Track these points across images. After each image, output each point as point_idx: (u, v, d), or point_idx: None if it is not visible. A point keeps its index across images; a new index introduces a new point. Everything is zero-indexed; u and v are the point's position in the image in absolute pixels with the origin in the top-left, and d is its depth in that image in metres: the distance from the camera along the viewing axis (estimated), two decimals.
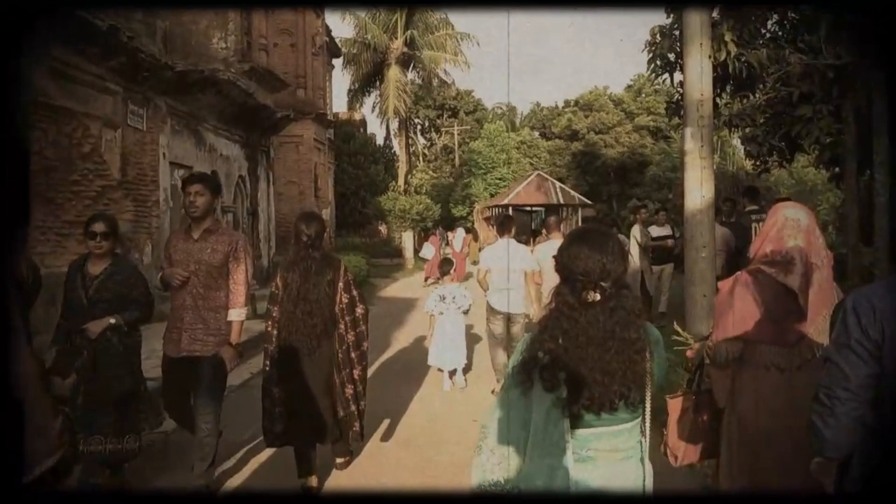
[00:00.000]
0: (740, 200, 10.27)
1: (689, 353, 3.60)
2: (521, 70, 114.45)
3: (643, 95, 49.17)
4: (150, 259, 10.73)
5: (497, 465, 2.22)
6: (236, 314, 4.56)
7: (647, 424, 2.25)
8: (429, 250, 19.89)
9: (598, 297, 2.18)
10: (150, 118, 10.97)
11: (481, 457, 2.26)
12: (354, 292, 4.91)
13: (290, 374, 4.69)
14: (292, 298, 4.68)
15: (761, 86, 9.29)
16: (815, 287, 2.95)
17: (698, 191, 7.37)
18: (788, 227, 3.02)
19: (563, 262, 2.26)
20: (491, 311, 7.27)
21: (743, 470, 3.09)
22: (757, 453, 3.04)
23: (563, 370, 2.12)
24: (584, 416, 2.14)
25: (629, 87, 51.50)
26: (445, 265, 8.42)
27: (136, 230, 10.45)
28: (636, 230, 10.97)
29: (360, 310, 4.91)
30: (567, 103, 54.01)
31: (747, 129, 9.34)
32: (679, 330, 4.11)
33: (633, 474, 2.22)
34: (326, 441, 4.86)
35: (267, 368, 4.74)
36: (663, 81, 9.66)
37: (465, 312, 7.97)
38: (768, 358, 3.00)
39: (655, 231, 11.07)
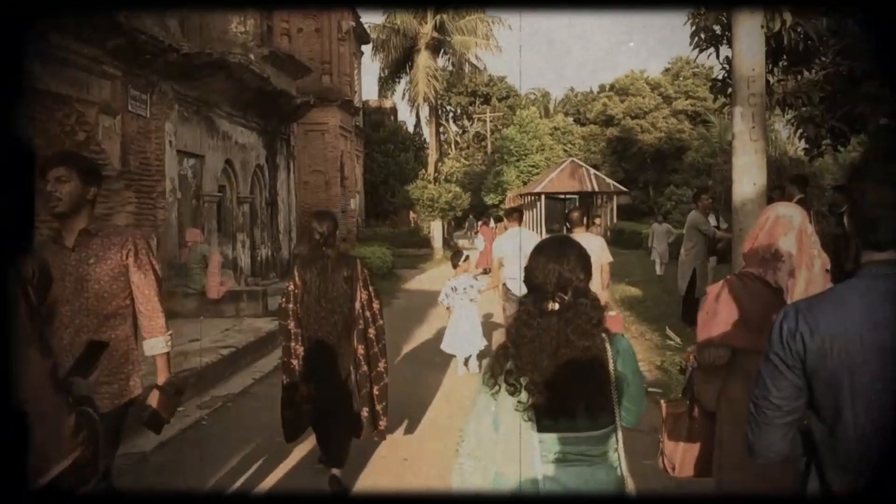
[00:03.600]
0: (788, 189, 9.27)
1: (685, 357, 3.57)
2: (554, 54, 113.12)
3: (681, 79, 47.88)
4: (154, 255, 10.10)
5: (474, 469, 2.28)
6: (159, 346, 3.29)
7: (620, 436, 2.27)
8: (480, 241, 19.16)
9: (556, 306, 2.22)
10: (155, 104, 10.33)
11: (459, 460, 2.31)
12: (371, 288, 4.93)
13: (317, 370, 4.74)
14: (313, 296, 4.73)
15: (818, 60, 8.32)
16: (802, 286, 2.89)
17: (749, 178, 6.61)
18: (780, 224, 2.98)
19: (525, 272, 2.32)
20: (506, 294, 7.47)
21: (734, 480, 3.00)
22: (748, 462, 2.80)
23: (523, 376, 2.19)
24: (543, 421, 2.20)
25: (667, 70, 50.17)
26: (456, 257, 8.37)
27: (140, 223, 9.84)
28: (696, 218, 9.50)
29: (376, 305, 4.94)
30: (602, 88, 52.85)
31: (803, 109, 8.36)
32: (670, 333, 3.76)
33: (605, 479, 2.23)
34: (361, 435, 4.90)
35: (292, 365, 4.76)
36: (707, 57, 8.73)
37: (473, 300, 8.12)
38: (755, 366, 2.68)
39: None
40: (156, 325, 3.28)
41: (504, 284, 7.53)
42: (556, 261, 2.24)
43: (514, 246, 7.32)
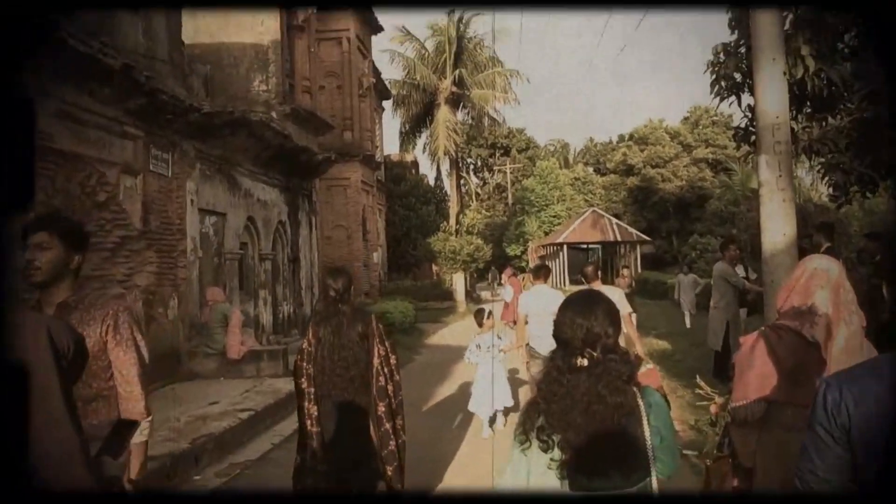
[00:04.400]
0: (815, 237, 9.02)
1: (713, 409, 3.54)
2: (573, 106, 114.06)
3: (700, 127, 47.88)
4: (175, 314, 10.06)
5: None
6: (136, 432, 2.90)
7: (655, 486, 2.21)
8: (508, 292, 18.93)
9: (585, 362, 2.20)
10: (177, 163, 10.37)
11: None
12: (388, 343, 4.87)
13: (333, 430, 4.66)
14: (327, 353, 4.65)
15: (842, 106, 8.17)
16: (841, 343, 2.83)
17: (778, 228, 6.43)
18: (817, 277, 2.93)
19: (554, 326, 2.32)
20: (530, 353, 7.28)
21: None
22: None
23: (555, 433, 2.17)
24: (577, 478, 2.18)
25: (686, 119, 50.25)
26: (479, 315, 8.28)
27: (161, 283, 9.81)
28: (724, 269, 9.19)
29: (394, 359, 4.87)
30: (621, 138, 53.00)
31: (830, 156, 8.20)
32: (702, 384, 3.89)
33: None
34: (385, 480, 4.79)
35: (306, 426, 4.68)
36: (730, 105, 8.60)
37: (496, 358, 7.95)
38: (791, 420, 2.85)
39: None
40: (134, 408, 2.88)
41: (528, 343, 7.36)
42: (584, 316, 2.24)
43: (539, 304, 7.23)
